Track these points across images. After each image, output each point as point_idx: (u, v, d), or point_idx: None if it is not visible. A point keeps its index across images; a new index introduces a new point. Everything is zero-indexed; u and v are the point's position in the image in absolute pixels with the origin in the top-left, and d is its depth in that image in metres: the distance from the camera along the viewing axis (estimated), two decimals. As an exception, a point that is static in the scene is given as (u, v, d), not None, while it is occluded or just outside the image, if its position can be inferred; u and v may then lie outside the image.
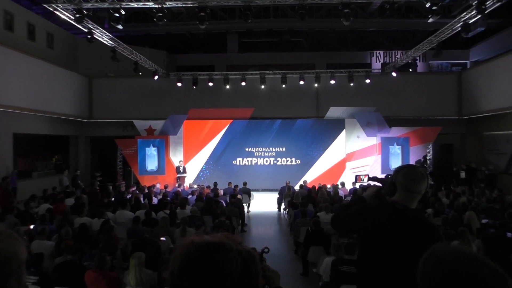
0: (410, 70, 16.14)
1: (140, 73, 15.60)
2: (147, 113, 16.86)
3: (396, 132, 16.10)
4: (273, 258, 7.50)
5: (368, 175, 3.22)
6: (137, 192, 11.70)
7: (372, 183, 2.72)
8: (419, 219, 2.19)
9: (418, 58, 16.76)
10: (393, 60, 21.06)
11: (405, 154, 15.84)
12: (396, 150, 15.91)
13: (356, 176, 3.41)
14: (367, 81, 16.13)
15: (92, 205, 9.67)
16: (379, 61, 21.85)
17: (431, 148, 16.19)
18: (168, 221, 7.41)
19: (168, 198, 10.66)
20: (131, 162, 16.09)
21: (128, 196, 11.23)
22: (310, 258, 6.85)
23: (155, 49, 20.23)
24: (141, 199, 10.94)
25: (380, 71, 17.43)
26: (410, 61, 15.44)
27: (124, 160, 16.25)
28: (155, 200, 10.81)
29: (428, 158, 16.25)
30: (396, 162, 15.85)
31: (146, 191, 11.98)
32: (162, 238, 6.38)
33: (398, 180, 2.30)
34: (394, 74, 15.67)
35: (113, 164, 16.57)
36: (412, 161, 15.83)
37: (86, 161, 18.03)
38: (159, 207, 9.16)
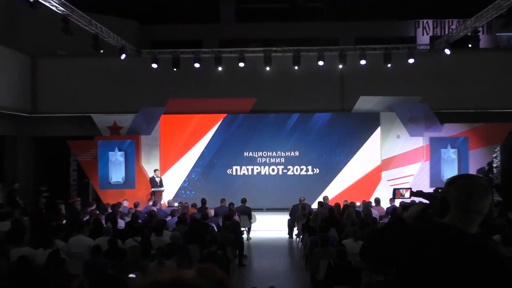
0: (470, 45, 16.09)
1: (102, 51, 15.61)
2: (111, 106, 16.90)
3: (450, 130, 16.10)
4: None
5: (411, 188, 3.22)
6: (98, 212, 11.73)
7: (417, 199, 2.70)
8: (482, 248, 2.17)
9: (480, 29, 16.74)
10: (446, 32, 21.03)
11: (462, 161, 15.83)
12: (450, 155, 15.93)
13: (395, 190, 3.41)
14: (411, 61, 16.13)
15: (35, 230, 9.69)
16: (427, 34, 21.85)
17: (498, 152, 16.18)
18: (139, 251, 7.40)
19: (140, 221, 10.69)
20: (89, 171, 16.10)
21: (85, 218, 11.26)
22: (333, 302, 6.84)
23: (122, 18, 20.29)
24: (103, 221, 10.97)
25: (429, 47, 17.42)
26: (469, 34, 15.41)
27: (80, 169, 16.26)
28: (121, 223, 10.85)
29: (494, 165, 16.23)
30: (450, 171, 15.85)
31: (110, 211, 12.01)
32: (131, 275, 6.38)
33: (451, 195, 2.30)
34: (447, 51, 15.64)
35: (64, 174, 16.59)
36: (472, 170, 15.84)
37: (28, 170, 18.05)
38: (127, 233, 9.18)
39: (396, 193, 3.37)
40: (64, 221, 10.97)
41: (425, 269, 2.17)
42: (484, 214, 2.25)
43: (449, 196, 2.30)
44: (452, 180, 2.35)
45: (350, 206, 12.33)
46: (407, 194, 3.09)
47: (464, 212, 2.25)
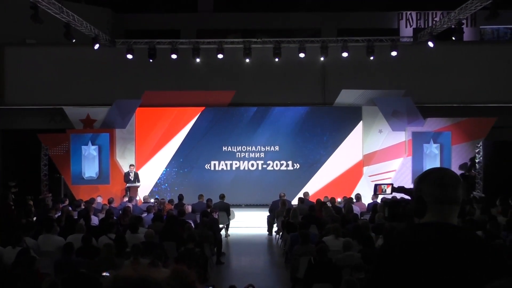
0: (454, 38, 16.28)
1: (74, 40, 15.42)
2: (84, 97, 16.71)
3: (433, 125, 16.30)
4: (262, 300, 7.55)
5: (392, 184, 3.27)
6: (70, 208, 11.66)
7: (398, 195, 2.73)
8: (472, 240, 2.21)
9: (464, 21, 16.91)
10: (430, 24, 21.21)
11: (445, 156, 16.05)
12: (433, 150, 16.12)
13: (376, 185, 3.47)
14: (394, 53, 16.25)
15: (4, 227, 9.59)
16: (410, 26, 21.99)
17: (481, 147, 16.41)
18: (113, 249, 7.40)
19: (114, 217, 10.65)
20: (60, 166, 15.96)
21: (56, 215, 11.18)
22: (313, 300, 6.91)
23: (95, 6, 20.04)
24: (75, 218, 10.91)
25: (412, 39, 17.57)
26: (453, 26, 15.57)
27: (51, 163, 16.09)
28: (95, 220, 10.81)
29: (477, 160, 16.46)
30: (432, 166, 15.99)
31: (83, 207, 11.95)
32: (104, 273, 6.38)
33: (425, 192, 2.31)
34: (431, 44, 15.80)
35: (34, 169, 16.39)
36: (455, 165, 16.09)
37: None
38: (101, 230, 9.16)
39: (377, 188, 3.42)
40: (34, 218, 10.87)
41: (419, 275, 2.16)
42: (459, 203, 2.29)
43: (423, 193, 2.31)
44: (422, 177, 2.36)
45: (329, 201, 12.49)
46: (389, 190, 3.15)
47: (442, 204, 2.27)
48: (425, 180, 2.33)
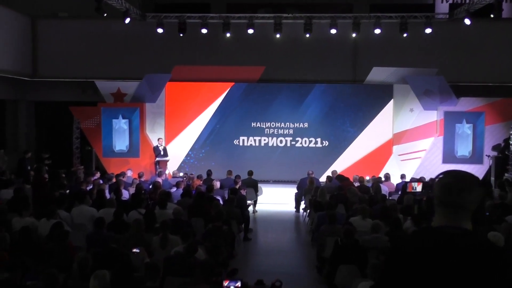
0: (492, 15, 15.83)
1: (105, 14, 15.50)
2: (115, 71, 16.88)
3: (466, 104, 16.03)
4: (288, 278, 7.64)
5: (423, 181, 3.22)
6: (101, 182, 11.89)
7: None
8: (480, 245, 2.14)
9: (503, -2, 16.45)
10: (468, 0, 20.65)
11: (478, 136, 15.83)
12: (465, 130, 15.90)
13: (406, 183, 3.44)
14: (428, 30, 15.91)
15: (38, 200, 9.85)
16: (446, 1, 21.45)
17: (516, 129, 16.10)
18: (143, 225, 7.55)
19: (145, 192, 10.84)
20: (92, 139, 16.24)
21: (88, 187, 11.43)
22: (338, 281, 6.96)
23: (126, -21, 20.05)
24: (107, 191, 11.13)
25: (447, 16, 17.16)
26: (491, 2, 15.15)
27: (83, 136, 16.38)
28: (125, 194, 11.00)
29: (511, 142, 16.15)
30: (464, 147, 15.87)
31: (114, 181, 12.15)
32: (134, 250, 6.52)
33: (434, 193, 2.27)
34: (467, 21, 15.40)
35: (67, 141, 16.72)
36: (488, 146, 15.87)
37: (29, 136, 18.22)
38: (132, 205, 9.33)
39: (407, 186, 3.40)
40: (67, 191, 11.13)
41: (429, 279, 2.13)
42: (467, 208, 2.20)
43: (434, 194, 2.28)
44: (437, 178, 2.31)
45: (354, 183, 12.49)
46: (419, 188, 3.12)
47: (446, 207, 2.22)
48: (437, 181, 2.29)
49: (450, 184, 2.22)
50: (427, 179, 13.57)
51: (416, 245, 2.23)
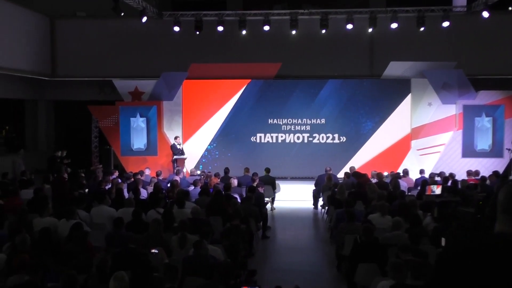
0: (510, 8, 15.56)
1: (122, 13, 15.54)
2: (132, 70, 16.96)
3: (485, 98, 15.83)
4: (307, 276, 7.59)
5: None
6: (119, 181, 11.92)
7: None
8: None
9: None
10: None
11: (497, 130, 15.63)
12: (485, 123, 15.71)
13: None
14: (445, 24, 15.72)
15: (57, 200, 9.91)
16: (464, -6, 21.14)
17: (537, 123, 15.84)
18: (161, 224, 7.53)
19: (163, 191, 10.83)
20: (110, 138, 16.33)
21: (106, 187, 11.46)
22: (358, 279, 6.88)
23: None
24: (125, 190, 11.15)
25: (465, 9, 16.90)
26: (510, -6, 14.90)
27: (101, 135, 16.47)
28: (143, 193, 11.02)
29: (531, 135, 15.91)
30: (484, 141, 15.64)
31: (132, 179, 12.17)
32: (153, 250, 6.50)
33: (498, 200, 2.25)
34: (486, 14, 15.17)
35: (86, 140, 16.83)
36: (507, 139, 15.66)
37: (48, 136, 18.38)
38: (150, 204, 9.32)
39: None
40: (86, 190, 11.18)
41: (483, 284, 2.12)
42: None
43: (498, 200, 2.26)
44: (504, 185, 2.29)
45: (371, 180, 12.32)
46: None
47: (510, 215, 2.19)
48: (503, 188, 2.27)
49: None
50: (447, 173, 13.42)
51: (478, 250, 2.20)
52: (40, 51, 16.78)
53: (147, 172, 13.82)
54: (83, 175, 12.59)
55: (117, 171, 14.06)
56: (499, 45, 16.26)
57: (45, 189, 10.63)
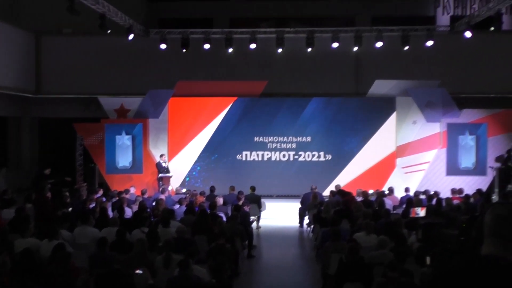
0: (492, 28, 15.85)
1: (109, 31, 15.56)
2: (118, 87, 16.92)
3: (469, 116, 15.96)
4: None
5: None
6: (104, 200, 11.80)
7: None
8: None
9: (504, 10, 16.42)
10: (468, 11, 20.66)
11: (481, 148, 15.74)
12: (468, 141, 15.83)
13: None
14: (429, 43, 15.94)
15: (41, 220, 9.78)
16: (448, 14, 21.46)
17: (518, 140, 16.01)
18: (146, 244, 7.45)
19: (148, 210, 10.75)
20: (95, 155, 16.19)
21: (91, 205, 11.34)
22: (343, 299, 6.86)
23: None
24: (109, 209, 11.05)
25: (449, 29, 17.17)
26: (491, 15, 15.15)
27: (86, 153, 16.34)
28: (128, 212, 10.92)
29: (514, 153, 16.07)
30: (468, 159, 15.75)
31: (117, 198, 12.06)
32: (137, 271, 6.43)
33: (485, 222, 2.29)
34: (468, 33, 15.40)
35: (70, 158, 16.68)
36: (491, 157, 15.79)
37: (32, 153, 18.19)
38: (135, 224, 9.24)
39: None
40: (70, 209, 11.05)
41: None
42: None
43: (484, 223, 2.30)
44: (491, 207, 2.33)
45: (356, 199, 12.36)
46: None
47: (496, 238, 2.24)
48: (491, 211, 2.31)
49: (504, 217, 2.24)
50: (431, 191, 13.49)
51: (466, 273, 2.25)
52: (25, 67, 16.68)
53: (132, 190, 13.70)
54: (67, 193, 12.45)
55: (101, 190, 13.93)
56: (481, 64, 16.49)
57: (27, 209, 10.46)
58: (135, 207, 11.23)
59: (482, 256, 2.27)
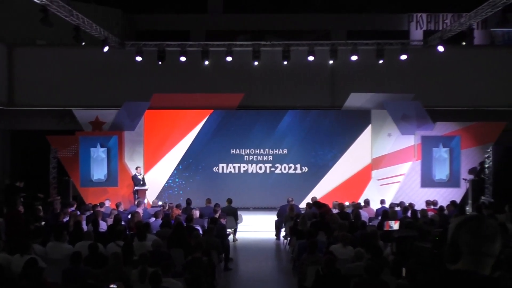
0: (464, 43, 16.18)
1: (84, 43, 15.44)
2: (93, 99, 16.75)
3: (442, 129, 16.20)
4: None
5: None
6: (78, 213, 11.64)
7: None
8: None
9: (475, 25, 16.79)
10: (441, 26, 21.08)
11: (454, 161, 15.97)
12: (442, 154, 16.05)
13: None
14: (403, 57, 16.16)
15: (12, 234, 9.59)
16: (421, 28, 21.88)
17: (491, 152, 16.28)
18: (121, 258, 7.36)
19: (123, 223, 10.63)
20: (69, 168, 15.99)
21: (65, 219, 11.17)
22: (320, 312, 6.86)
23: (105, 7, 20.06)
24: (84, 223, 10.89)
25: (422, 43, 17.46)
26: (463, 30, 15.48)
27: (60, 166, 16.12)
28: (103, 225, 10.78)
29: (487, 165, 16.33)
30: (442, 171, 15.97)
31: (91, 211, 11.91)
32: (112, 285, 6.33)
33: (463, 240, 2.28)
34: (441, 48, 15.69)
35: (43, 171, 16.41)
36: (464, 170, 16.04)
37: (4, 166, 17.84)
38: (109, 237, 9.11)
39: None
40: (43, 223, 10.86)
41: None
42: (495, 256, 2.26)
43: (460, 240, 2.28)
44: (461, 223, 2.32)
45: (332, 210, 12.43)
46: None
47: (479, 256, 2.25)
48: (464, 227, 2.30)
49: (485, 234, 2.26)
50: (406, 203, 13.63)
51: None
52: (-3, 79, 16.43)
53: (107, 203, 13.54)
54: (40, 207, 12.24)
55: (76, 203, 13.75)
56: (454, 78, 16.76)
57: (-1, 223, 10.29)
58: (110, 221, 11.08)
59: (455, 271, 2.29)
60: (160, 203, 14.41)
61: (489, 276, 2.24)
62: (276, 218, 13.76)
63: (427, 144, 16.07)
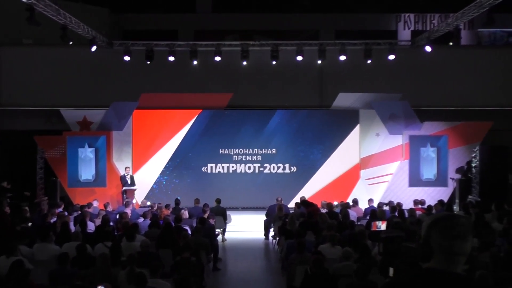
0: (451, 43, 16.29)
1: (71, 42, 15.35)
2: (81, 99, 16.65)
3: (430, 128, 16.28)
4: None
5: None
6: (66, 214, 11.56)
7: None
8: None
9: (462, 25, 16.90)
10: (428, 26, 21.20)
11: (442, 160, 16.06)
12: (430, 153, 16.13)
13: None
14: (391, 57, 16.23)
15: (-1, 235, 9.51)
16: (408, 28, 21.99)
17: (478, 152, 16.41)
18: (109, 259, 7.33)
19: (111, 223, 10.58)
20: (57, 169, 15.87)
21: (52, 220, 11.09)
22: (309, 312, 6.88)
23: (92, 6, 19.95)
24: (71, 223, 10.82)
25: (410, 43, 17.55)
26: (450, 30, 15.59)
27: (47, 166, 16.00)
28: (91, 226, 10.72)
29: (473, 165, 16.46)
30: (429, 170, 16.06)
31: (79, 212, 11.84)
32: (99, 287, 6.29)
33: (434, 239, 2.30)
34: (428, 48, 15.78)
35: (30, 171, 16.29)
36: (451, 169, 16.14)
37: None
38: (97, 238, 9.06)
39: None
40: (30, 224, 10.77)
41: None
42: (467, 255, 2.28)
43: (432, 240, 2.30)
44: (433, 223, 2.33)
45: (320, 209, 12.45)
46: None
47: (450, 255, 2.27)
48: (435, 227, 2.32)
49: (456, 233, 2.28)
50: (394, 203, 13.70)
51: (411, 285, 2.30)
52: (-16, 79, 16.27)
53: (95, 204, 13.46)
54: (27, 208, 12.14)
55: (63, 204, 13.66)
56: (441, 78, 16.84)
57: (-15, 224, 10.19)
58: (98, 221, 11.01)
59: (426, 269, 2.32)
60: (148, 203, 14.36)
61: (459, 274, 2.27)
62: (265, 218, 13.76)
63: (415, 144, 16.15)
